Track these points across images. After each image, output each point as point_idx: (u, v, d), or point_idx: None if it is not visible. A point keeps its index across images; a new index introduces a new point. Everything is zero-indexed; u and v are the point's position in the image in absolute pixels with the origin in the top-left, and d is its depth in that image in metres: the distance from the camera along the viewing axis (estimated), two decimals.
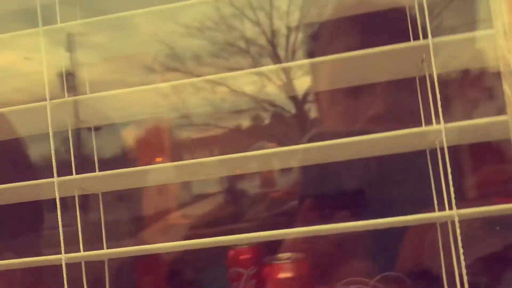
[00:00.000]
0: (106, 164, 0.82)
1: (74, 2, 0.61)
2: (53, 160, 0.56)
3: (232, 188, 0.80)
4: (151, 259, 0.75)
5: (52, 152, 0.56)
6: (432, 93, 0.49)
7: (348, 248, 0.69)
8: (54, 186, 0.55)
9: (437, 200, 0.51)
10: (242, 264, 0.66)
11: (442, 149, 0.48)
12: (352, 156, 0.57)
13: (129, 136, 0.84)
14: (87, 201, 0.75)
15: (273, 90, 0.72)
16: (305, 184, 0.76)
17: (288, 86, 0.73)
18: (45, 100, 0.63)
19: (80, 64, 0.66)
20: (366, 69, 0.54)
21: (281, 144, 0.78)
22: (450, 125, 0.47)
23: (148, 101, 0.72)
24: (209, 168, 0.59)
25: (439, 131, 0.47)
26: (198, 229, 0.81)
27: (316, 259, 0.66)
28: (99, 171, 0.61)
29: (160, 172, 0.61)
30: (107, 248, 0.61)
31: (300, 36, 0.76)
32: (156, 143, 0.84)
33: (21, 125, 0.65)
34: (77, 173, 0.59)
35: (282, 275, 0.62)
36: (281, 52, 0.75)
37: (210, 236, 0.56)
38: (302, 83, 0.75)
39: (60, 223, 0.55)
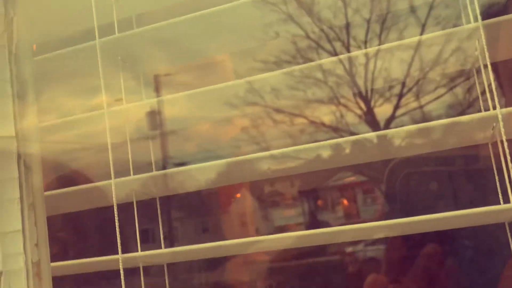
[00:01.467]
0: (189, 197, 0.85)
1: (160, 44, 0.65)
2: (117, 234, 0.55)
3: (314, 220, 0.78)
4: None
5: (117, 224, 0.56)
6: None
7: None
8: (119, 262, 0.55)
9: None
10: None
11: None
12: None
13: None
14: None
15: (352, 119, 0.70)
16: (389, 215, 0.73)
17: (368, 114, 0.71)
18: (135, 137, 0.66)
19: (166, 103, 0.70)
20: None
21: (363, 175, 0.75)
22: None
23: (229, 136, 0.73)
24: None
25: None
26: (279, 263, 0.80)
27: None
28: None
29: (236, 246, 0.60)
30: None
31: (379, 63, 0.75)
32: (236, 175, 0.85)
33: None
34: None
35: None
36: (359, 81, 0.74)
37: (290, 270, 0.54)
38: (383, 111, 0.73)
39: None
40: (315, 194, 0.77)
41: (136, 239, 0.61)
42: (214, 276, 0.82)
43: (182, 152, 0.82)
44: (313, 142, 0.74)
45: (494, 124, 0.47)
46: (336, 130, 0.72)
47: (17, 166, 0.43)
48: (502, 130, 0.44)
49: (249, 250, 0.64)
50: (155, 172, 0.65)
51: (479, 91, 0.51)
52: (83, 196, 0.64)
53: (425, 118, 0.75)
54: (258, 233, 0.82)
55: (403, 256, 0.69)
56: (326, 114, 0.70)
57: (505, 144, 0.44)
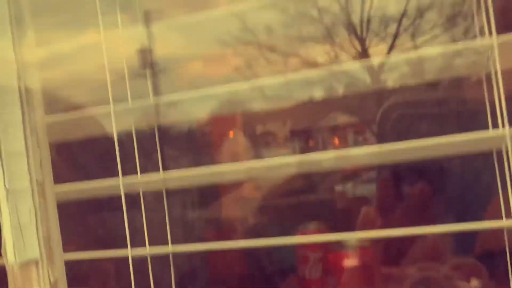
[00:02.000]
0: (182, 138, 0.86)
1: None
2: (118, 161, 0.57)
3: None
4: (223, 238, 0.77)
5: (117, 151, 0.57)
6: None
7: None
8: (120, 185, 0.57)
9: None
10: (309, 248, 0.66)
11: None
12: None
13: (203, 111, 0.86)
14: None
15: (347, 60, 0.70)
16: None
17: (363, 55, 0.70)
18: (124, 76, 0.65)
19: (156, 40, 0.68)
20: None
21: (355, 115, 0.76)
22: None
23: (222, 75, 0.73)
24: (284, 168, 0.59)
25: None
26: (271, 201, 0.82)
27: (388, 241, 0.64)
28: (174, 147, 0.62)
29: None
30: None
31: (376, 2, 0.73)
32: (229, 117, 0.85)
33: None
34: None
35: (348, 263, 0.61)
36: (355, 20, 0.73)
37: (282, 208, 0.56)
38: (378, 51, 0.72)
39: (125, 218, 0.57)
40: (306, 134, 0.78)
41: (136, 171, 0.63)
42: (208, 213, 0.85)
43: (174, 91, 0.82)
44: (306, 82, 0.73)
45: (489, 53, 0.47)
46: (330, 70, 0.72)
47: (18, 90, 0.43)
48: (497, 59, 0.43)
49: (245, 176, 0.66)
50: (152, 101, 0.65)
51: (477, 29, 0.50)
52: (83, 124, 0.64)
53: (420, 59, 0.74)
54: (249, 173, 0.83)
55: (393, 194, 0.71)
56: (320, 54, 0.69)
57: (499, 73, 0.44)
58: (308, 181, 0.79)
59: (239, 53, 0.76)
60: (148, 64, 0.73)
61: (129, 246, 0.56)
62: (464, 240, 0.63)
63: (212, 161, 0.86)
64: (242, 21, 0.75)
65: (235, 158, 0.84)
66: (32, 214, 0.42)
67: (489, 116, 0.47)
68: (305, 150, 0.79)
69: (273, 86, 0.66)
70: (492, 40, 0.45)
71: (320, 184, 0.78)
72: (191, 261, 0.77)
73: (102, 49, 0.61)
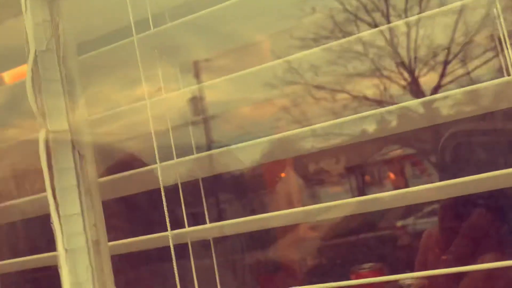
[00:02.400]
0: (236, 182, 0.86)
1: (196, 32, 0.65)
2: (166, 214, 0.58)
3: (362, 195, 0.77)
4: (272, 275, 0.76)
5: (165, 206, 0.59)
6: None
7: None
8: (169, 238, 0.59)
9: None
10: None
11: None
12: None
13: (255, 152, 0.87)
14: None
15: (397, 91, 0.69)
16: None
17: (413, 85, 0.69)
18: (179, 124, 0.67)
19: (206, 88, 0.70)
20: None
21: (411, 147, 0.74)
22: None
23: (271, 116, 0.73)
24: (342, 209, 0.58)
25: None
26: (328, 240, 0.80)
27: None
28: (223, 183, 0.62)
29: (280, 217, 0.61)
30: None
31: (422, 31, 0.72)
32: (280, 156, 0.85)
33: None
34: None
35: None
36: (402, 51, 0.72)
37: (339, 248, 0.54)
38: (428, 81, 0.70)
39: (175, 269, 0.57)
40: (361, 169, 0.77)
41: (184, 222, 0.64)
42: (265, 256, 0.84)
43: (225, 136, 0.83)
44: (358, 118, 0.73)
45: None
46: (380, 103, 0.71)
47: (72, 156, 0.46)
48: None
49: (294, 221, 0.65)
50: (197, 155, 0.67)
51: None
52: (132, 180, 0.67)
53: (472, 83, 0.72)
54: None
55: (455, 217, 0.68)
56: (369, 88, 0.69)
57: None
58: (367, 218, 0.77)
59: (286, 94, 0.77)
60: (200, 111, 0.75)
61: None
62: None
63: (267, 203, 0.86)
64: (287, 62, 0.76)
65: (289, 198, 0.83)
66: (89, 272, 0.45)
67: None
68: (360, 186, 0.78)
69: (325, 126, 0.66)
70: None
71: (379, 221, 0.76)
72: None
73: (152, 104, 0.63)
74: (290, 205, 0.83)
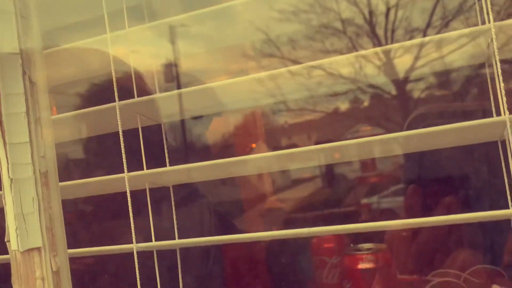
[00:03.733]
0: (205, 150, 0.86)
1: None
2: (123, 156, 0.57)
3: (329, 173, 0.79)
4: (238, 248, 0.77)
5: (122, 147, 0.58)
6: None
7: (444, 239, 0.66)
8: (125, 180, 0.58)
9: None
10: (326, 253, 0.66)
11: None
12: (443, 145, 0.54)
13: (226, 124, 0.87)
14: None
15: (371, 71, 0.69)
16: (407, 168, 0.73)
17: (387, 66, 0.70)
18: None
19: (182, 55, 0.69)
20: None
21: (381, 127, 0.75)
22: None
23: (246, 89, 0.73)
24: (307, 156, 0.59)
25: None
26: (295, 214, 0.82)
27: (407, 247, 0.63)
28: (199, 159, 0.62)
29: (248, 162, 0.61)
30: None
31: (400, 13, 0.72)
32: (252, 130, 0.85)
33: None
34: (186, 161, 0.62)
35: (362, 265, 0.61)
36: (380, 31, 0.72)
37: (306, 221, 0.55)
38: (403, 62, 0.71)
39: (131, 214, 0.57)
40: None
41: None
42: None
43: (197, 105, 0.82)
44: (331, 94, 0.73)
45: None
46: (355, 82, 0.71)
47: (22, 81, 0.44)
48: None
49: (244, 171, 0.65)
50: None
51: None
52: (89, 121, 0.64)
53: (446, 69, 0.73)
54: (274, 184, 0.83)
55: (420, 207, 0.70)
56: (344, 66, 0.69)
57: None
58: (333, 194, 0.79)
59: (262, 66, 0.76)
60: (174, 78, 0.74)
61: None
62: (491, 250, 0.62)
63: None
64: (265, 34, 0.75)
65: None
66: (35, 204, 0.43)
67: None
68: (330, 162, 0.79)
69: (297, 99, 0.66)
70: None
71: (344, 197, 0.78)
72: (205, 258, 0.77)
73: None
74: (260, 177, 0.83)
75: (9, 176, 0.43)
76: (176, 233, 0.63)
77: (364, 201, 0.76)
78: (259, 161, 0.60)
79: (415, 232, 0.67)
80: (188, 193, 0.73)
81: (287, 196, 0.82)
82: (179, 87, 0.77)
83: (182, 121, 0.80)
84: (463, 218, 0.48)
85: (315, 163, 0.69)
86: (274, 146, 0.83)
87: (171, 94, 0.62)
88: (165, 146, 0.66)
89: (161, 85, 0.74)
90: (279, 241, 0.76)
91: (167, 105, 0.65)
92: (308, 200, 0.80)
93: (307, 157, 0.61)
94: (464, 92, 0.72)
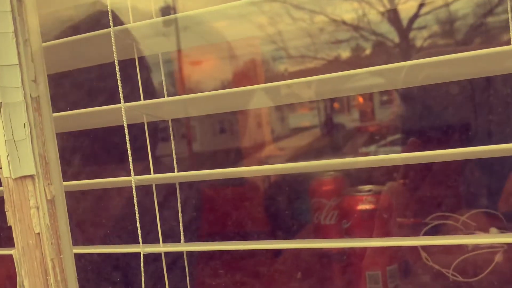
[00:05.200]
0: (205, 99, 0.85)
1: None
2: (120, 88, 0.55)
3: (329, 122, 0.79)
4: (238, 189, 0.78)
5: (119, 79, 0.56)
6: None
7: (441, 181, 0.67)
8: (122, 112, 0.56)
9: None
10: (324, 195, 0.66)
11: None
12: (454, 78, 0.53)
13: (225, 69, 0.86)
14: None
15: (375, 18, 0.68)
16: (405, 118, 0.73)
17: (391, 13, 0.68)
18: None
19: None
20: None
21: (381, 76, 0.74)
22: None
23: (246, 33, 0.71)
24: (303, 91, 0.58)
25: None
26: (293, 162, 0.82)
27: (406, 190, 0.64)
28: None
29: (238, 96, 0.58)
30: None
31: None
32: (251, 76, 0.84)
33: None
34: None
35: (362, 206, 0.62)
36: None
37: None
38: (407, 9, 0.70)
39: (129, 147, 0.55)
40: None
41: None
42: None
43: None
44: (333, 41, 0.72)
45: None
46: (357, 29, 0.70)
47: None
48: None
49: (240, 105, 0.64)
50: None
51: None
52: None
53: (451, 17, 0.72)
54: (273, 134, 0.83)
55: None
56: (347, 12, 0.67)
57: None
58: (332, 142, 0.79)
59: (264, 11, 0.74)
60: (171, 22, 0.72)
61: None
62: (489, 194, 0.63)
63: (236, 123, 0.86)
64: None
65: (258, 119, 0.84)
66: (27, 129, 0.41)
67: None
68: (328, 111, 0.79)
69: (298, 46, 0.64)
70: None
71: (343, 146, 0.78)
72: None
73: None
74: (259, 126, 0.83)
75: None
76: (175, 166, 0.62)
77: (363, 150, 0.76)
78: (254, 93, 0.57)
79: (415, 177, 0.67)
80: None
81: (286, 145, 0.82)
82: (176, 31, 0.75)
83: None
84: (473, 151, 0.46)
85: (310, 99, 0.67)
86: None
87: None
88: (164, 81, 0.65)
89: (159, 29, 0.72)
90: (277, 184, 0.77)
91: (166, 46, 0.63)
92: (307, 148, 0.80)
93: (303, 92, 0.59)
94: (469, 41, 0.71)
